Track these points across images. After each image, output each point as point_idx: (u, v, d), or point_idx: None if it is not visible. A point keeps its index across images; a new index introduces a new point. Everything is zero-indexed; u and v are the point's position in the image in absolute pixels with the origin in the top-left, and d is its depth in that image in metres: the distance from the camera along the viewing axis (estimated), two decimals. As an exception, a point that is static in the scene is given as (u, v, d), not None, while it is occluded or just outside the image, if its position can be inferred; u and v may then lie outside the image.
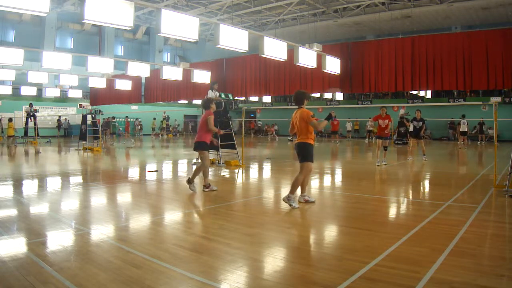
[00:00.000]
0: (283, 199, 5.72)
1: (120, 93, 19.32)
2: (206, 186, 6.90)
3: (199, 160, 11.23)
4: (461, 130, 20.11)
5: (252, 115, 37.36)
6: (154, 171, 10.11)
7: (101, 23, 6.34)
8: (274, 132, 32.18)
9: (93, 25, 27.65)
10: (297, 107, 5.84)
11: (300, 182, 5.75)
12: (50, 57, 11.43)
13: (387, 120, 11.28)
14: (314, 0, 24.12)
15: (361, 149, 19.68)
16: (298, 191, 5.96)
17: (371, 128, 26.33)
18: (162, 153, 16.53)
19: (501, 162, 8.67)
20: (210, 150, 7.16)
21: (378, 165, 11.02)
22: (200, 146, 6.83)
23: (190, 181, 6.82)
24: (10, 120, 20.09)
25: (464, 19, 25.51)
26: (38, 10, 5.61)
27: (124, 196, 6.92)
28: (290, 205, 5.61)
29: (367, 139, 26.96)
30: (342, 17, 26.69)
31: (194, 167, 10.68)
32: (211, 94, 11.04)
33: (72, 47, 31.39)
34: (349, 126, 29.07)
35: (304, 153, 5.69)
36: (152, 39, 34.17)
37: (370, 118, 14.98)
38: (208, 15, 26.37)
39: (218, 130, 7.27)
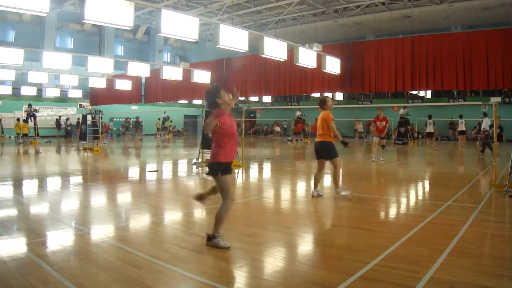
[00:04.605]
0: (335, 197, 6.26)
1: (120, 93, 19.31)
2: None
3: (199, 160, 11.29)
4: (459, 129, 20.12)
5: (252, 115, 37.34)
6: (154, 171, 10.11)
7: (101, 23, 6.34)
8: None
9: (93, 25, 27.63)
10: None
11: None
12: (50, 57, 11.42)
13: (384, 122, 12.01)
14: (314, 0, 24.12)
15: (360, 149, 19.67)
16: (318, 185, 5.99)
17: (361, 130, 27.97)
18: (160, 154, 16.53)
19: (501, 162, 8.67)
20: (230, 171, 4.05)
21: (373, 161, 11.60)
22: (213, 169, 3.96)
23: (200, 197, 4.47)
24: (20, 120, 20.59)
25: (464, 19, 25.51)
26: (38, 10, 5.61)
27: (124, 196, 6.92)
28: (343, 196, 6.16)
29: (365, 139, 27.22)
30: (342, 17, 26.69)
31: (194, 167, 10.69)
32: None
33: (72, 47, 31.38)
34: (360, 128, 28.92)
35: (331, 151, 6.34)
36: (152, 39, 34.16)
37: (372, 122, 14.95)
38: (208, 15, 26.37)
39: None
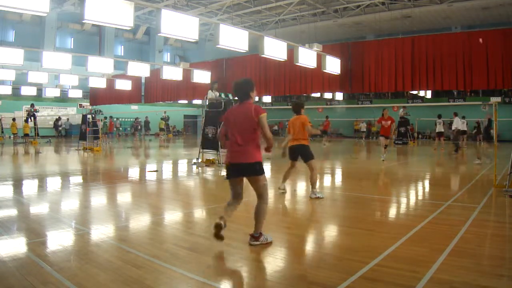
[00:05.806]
0: (311, 197, 6.31)
1: (120, 93, 19.32)
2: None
3: (199, 160, 11.26)
4: (461, 129, 20.09)
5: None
6: (154, 171, 10.11)
7: (101, 23, 6.35)
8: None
9: (93, 25, 27.64)
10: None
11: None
12: (50, 57, 11.43)
13: (389, 122, 12.28)
14: (314, 0, 24.13)
15: (360, 149, 19.67)
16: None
17: (363, 130, 28.39)
18: (160, 154, 16.52)
19: (501, 162, 8.67)
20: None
21: (383, 160, 12.00)
22: (253, 170, 4.00)
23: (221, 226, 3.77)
24: (16, 120, 20.54)
25: (464, 19, 25.52)
26: (38, 10, 5.62)
27: (124, 196, 6.92)
28: (318, 198, 6.23)
29: (362, 139, 27.42)
30: (342, 17, 26.70)
31: (194, 167, 10.68)
32: (211, 94, 11.03)
33: (72, 47, 31.39)
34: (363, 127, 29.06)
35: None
36: (152, 39, 34.16)
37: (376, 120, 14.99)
38: (208, 15, 26.37)
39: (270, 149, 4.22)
